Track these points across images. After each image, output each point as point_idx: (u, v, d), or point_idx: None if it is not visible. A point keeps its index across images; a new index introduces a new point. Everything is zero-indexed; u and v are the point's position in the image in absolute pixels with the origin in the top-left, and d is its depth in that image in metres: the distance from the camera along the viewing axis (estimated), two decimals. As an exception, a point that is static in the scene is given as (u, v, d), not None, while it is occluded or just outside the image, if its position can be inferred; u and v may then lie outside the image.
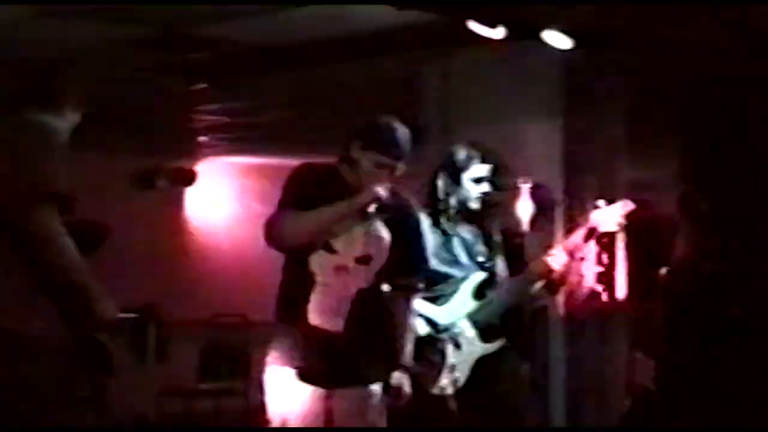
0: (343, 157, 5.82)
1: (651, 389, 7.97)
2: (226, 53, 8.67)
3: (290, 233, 5.66)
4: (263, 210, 14.03)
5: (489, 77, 8.15)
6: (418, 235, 6.01)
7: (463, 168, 6.50)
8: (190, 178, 9.93)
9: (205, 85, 9.72)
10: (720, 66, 7.37)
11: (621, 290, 7.69)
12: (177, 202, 14.02)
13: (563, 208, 7.23)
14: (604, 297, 7.58)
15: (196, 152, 13.61)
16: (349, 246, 5.74)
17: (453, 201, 6.53)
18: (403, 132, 5.73)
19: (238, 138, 12.67)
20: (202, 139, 12.87)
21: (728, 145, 7.61)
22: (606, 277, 7.54)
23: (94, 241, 6.55)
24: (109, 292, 4.99)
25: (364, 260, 5.74)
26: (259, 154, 14.00)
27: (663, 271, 7.65)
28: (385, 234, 5.81)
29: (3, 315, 5.00)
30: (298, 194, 5.71)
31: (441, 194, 6.54)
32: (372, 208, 5.72)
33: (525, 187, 6.70)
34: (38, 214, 4.75)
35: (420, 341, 6.28)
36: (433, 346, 6.47)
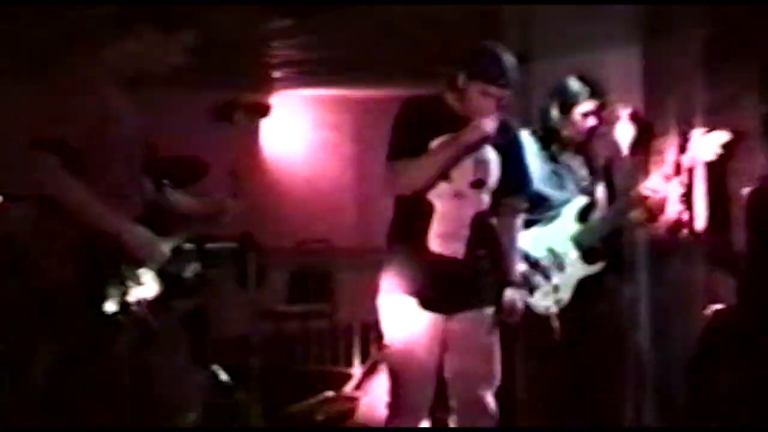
0: (450, 87, 5.65)
1: (731, 307, 7.77)
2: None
3: (410, 183, 5.58)
4: (334, 140, 14.08)
5: (569, 6, 7.83)
6: (522, 158, 5.92)
7: (574, 101, 6.46)
8: (264, 110, 9.79)
9: (283, 22, 9.60)
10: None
11: (704, 213, 7.50)
12: (255, 135, 13.87)
13: (662, 134, 7.01)
14: (689, 220, 7.40)
15: (271, 86, 13.44)
16: (462, 172, 5.63)
17: (563, 131, 6.51)
18: (509, 60, 5.57)
19: (310, 71, 12.52)
20: (276, 73, 12.68)
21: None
22: (690, 202, 7.36)
23: (194, 176, 6.38)
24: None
25: (477, 184, 5.67)
26: (331, 87, 13.83)
27: (745, 190, 7.43)
28: (494, 157, 5.70)
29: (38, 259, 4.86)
30: (410, 136, 5.60)
31: (552, 123, 6.52)
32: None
33: (625, 113, 6.44)
34: (34, 160, 4.61)
35: (528, 263, 6.36)
36: (539, 268, 6.46)
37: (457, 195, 5.63)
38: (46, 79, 4.88)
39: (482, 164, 5.67)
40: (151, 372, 5.02)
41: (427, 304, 5.65)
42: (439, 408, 5.97)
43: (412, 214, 5.67)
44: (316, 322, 11.27)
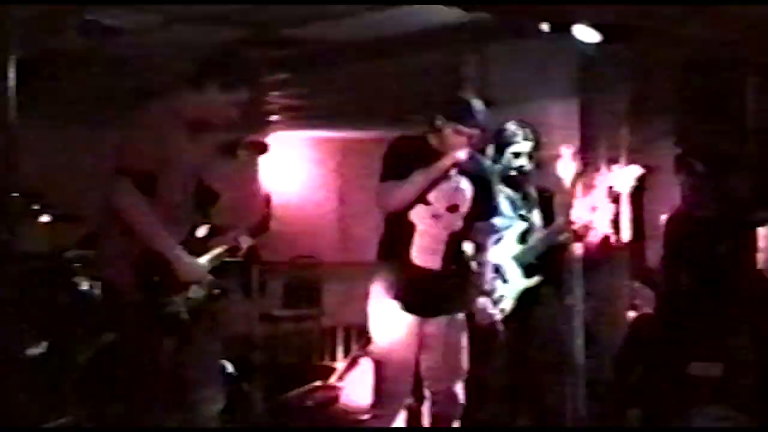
0: (430, 127, 5.75)
1: (649, 313, 7.85)
2: (302, 50, 8.53)
3: (396, 201, 5.65)
4: (322, 173, 14.06)
5: (518, 64, 7.90)
6: (491, 190, 5.98)
7: (507, 143, 6.53)
8: (263, 148, 9.80)
9: (283, 76, 9.67)
10: (707, 53, 7.25)
11: (628, 234, 7.55)
12: (255, 168, 13.91)
13: (585, 170, 7.06)
14: (614, 240, 7.43)
15: (269, 128, 13.47)
16: (440, 198, 5.71)
17: (497, 167, 6.44)
18: (478, 105, 5.71)
19: (302, 116, 12.58)
20: (273, 117, 12.74)
21: (716, 115, 7.50)
22: (616, 224, 7.39)
23: (210, 202, 6.44)
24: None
25: (453, 209, 5.73)
26: (319, 129, 13.89)
27: (663, 217, 7.53)
28: (467, 187, 5.78)
29: (110, 272, 4.90)
30: (397, 165, 5.68)
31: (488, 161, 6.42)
32: (454, 169, 5.68)
33: (567, 152, 6.50)
34: (116, 184, 4.66)
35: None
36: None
37: (435, 217, 5.69)
38: (126, 121, 4.95)
39: (457, 192, 5.74)
40: (190, 365, 5.08)
41: (408, 307, 5.71)
42: (413, 397, 6.02)
43: (397, 232, 5.73)
44: (306, 323, 11.27)
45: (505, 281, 6.47)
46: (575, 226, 6.48)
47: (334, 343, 10.70)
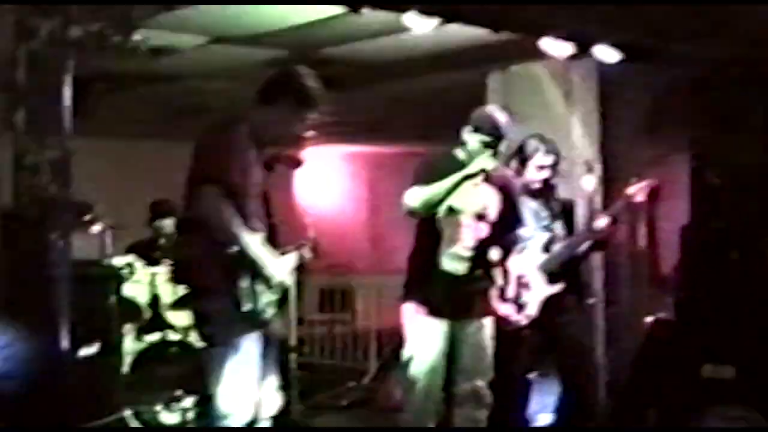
0: (458, 142, 5.82)
1: (666, 318, 7.82)
2: (336, 69, 8.54)
3: (422, 204, 5.68)
4: (355, 186, 14.11)
5: (540, 84, 7.90)
6: (516, 201, 6.01)
7: (529, 156, 6.48)
8: (299, 162, 9.80)
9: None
10: (722, 70, 7.23)
11: (645, 243, 7.53)
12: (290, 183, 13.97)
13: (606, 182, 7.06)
14: (633, 249, 7.43)
15: (304, 144, 13.49)
16: (468, 207, 5.74)
17: (520, 180, 6.44)
18: (503, 118, 5.70)
19: (335, 132, 12.57)
20: (309, 132, 12.76)
21: (731, 130, 7.48)
22: (634, 234, 7.39)
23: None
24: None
25: (480, 217, 5.76)
26: (351, 144, 13.95)
27: (680, 227, 7.52)
28: (493, 196, 5.82)
29: (195, 276, 4.95)
30: (426, 175, 5.72)
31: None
32: (481, 177, 5.70)
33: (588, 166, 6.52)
34: (202, 192, 4.69)
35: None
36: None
37: (463, 225, 5.72)
38: (201, 134, 4.99)
39: (484, 201, 5.78)
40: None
41: (436, 311, 5.73)
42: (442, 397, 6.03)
43: (426, 239, 5.77)
44: (340, 327, 11.28)
45: (529, 289, 6.45)
46: (597, 236, 6.49)
47: (367, 346, 10.70)
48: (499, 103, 7.95)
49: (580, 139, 7.53)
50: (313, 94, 5.11)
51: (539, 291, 6.45)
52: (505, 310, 6.06)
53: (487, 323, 5.87)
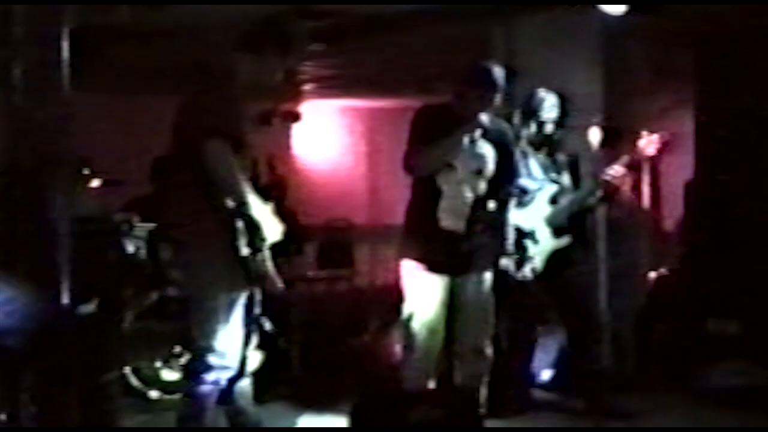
0: (455, 95, 5.75)
1: (670, 273, 7.86)
2: (334, 22, 8.52)
3: (423, 165, 5.69)
4: (354, 141, 14.10)
5: (544, 36, 7.86)
6: (512, 154, 5.96)
7: (536, 109, 6.49)
8: (296, 117, 9.77)
9: (315, 47, 9.67)
10: (730, 25, 7.23)
11: (649, 197, 7.55)
12: (289, 137, 13.95)
13: (619, 135, 7.03)
14: (637, 203, 7.44)
15: (302, 97, 13.48)
16: (465, 163, 5.72)
17: (525, 132, 6.49)
18: (499, 72, 5.66)
19: (334, 86, 12.58)
20: (306, 87, 12.74)
21: (736, 85, 7.48)
22: (638, 189, 7.40)
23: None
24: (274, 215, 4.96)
25: (477, 173, 5.74)
26: (350, 98, 13.91)
27: (684, 181, 7.53)
28: (490, 152, 5.78)
29: (183, 231, 4.95)
30: (422, 131, 5.69)
31: (516, 127, 6.46)
32: (478, 133, 5.67)
33: (593, 119, 6.51)
34: (212, 147, 4.67)
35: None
36: (517, 242, 6.38)
37: (460, 181, 5.71)
38: (204, 86, 4.97)
39: (480, 157, 5.75)
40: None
41: (436, 267, 5.73)
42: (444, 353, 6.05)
43: (424, 197, 5.75)
44: (339, 284, 11.28)
45: (536, 242, 6.46)
46: (603, 188, 6.46)
47: (367, 302, 10.71)
48: (501, 57, 7.94)
49: (585, 92, 7.48)
50: (297, 40, 5.09)
51: (546, 244, 6.46)
52: (504, 265, 6.03)
53: (488, 278, 5.86)
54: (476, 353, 5.85)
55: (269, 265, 4.99)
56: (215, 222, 4.83)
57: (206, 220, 4.85)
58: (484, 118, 5.63)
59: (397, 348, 6.19)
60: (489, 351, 5.88)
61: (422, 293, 5.74)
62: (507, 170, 5.89)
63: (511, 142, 5.94)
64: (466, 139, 5.68)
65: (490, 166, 5.79)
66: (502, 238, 5.98)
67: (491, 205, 5.86)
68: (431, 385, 5.91)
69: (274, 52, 5.02)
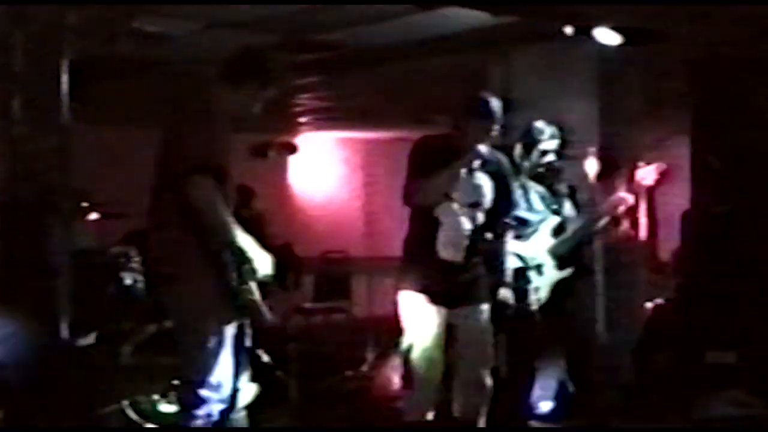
0: (453, 126, 5.75)
1: (667, 303, 7.85)
2: (330, 54, 8.51)
3: (421, 197, 5.65)
4: (350, 172, 14.11)
5: (540, 67, 7.87)
6: (509, 186, 5.92)
7: (535, 140, 6.47)
8: (293, 149, 9.75)
9: (312, 79, 9.70)
10: (722, 53, 7.24)
11: (646, 228, 7.55)
12: (284, 169, 13.93)
13: (616, 166, 7.03)
14: (635, 234, 7.43)
15: (298, 129, 13.50)
16: (463, 195, 5.69)
17: (526, 164, 6.48)
18: (496, 103, 5.67)
19: (329, 118, 12.60)
20: (302, 119, 12.75)
21: (730, 116, 7.49)
22: (635, 220, 7.40)
23: (246, 199, 6.40)
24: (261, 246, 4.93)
25: (474, 205, 5.71)
26: (345, 130, 13.93)
27: (680, 212, 7.53)
28: (487, 184, 5.76)
29: (172, 265, 4.91)
30: (422, 163, 5.68)
31: (517, 159, 6.47)
32: (476, 164, 5.67)
33: (592, 151, 6.51)
34: (195, 182, 4.65)
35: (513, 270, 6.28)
36: (521, 274, 6.41)
37: (458, 212, 5.68)
38: (176, 120, 4.96)
39: (478, 189, 5.73)
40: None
41: (434, 299, 5.69)
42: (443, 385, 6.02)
43: (423, 228, 5.72)
44: (336, 316, 11.24)
45: (539, 273, 6.45)
46: (606, 220, 6.49)
47: (364, 333, 10.67)
48: (498, 88, 7.95)
49: (581, 123, 7.48)
50: (275, 74, 5.08)
51: (549, 275, 6.45)
52: (502, 296, 6.01)
53: (486, 310, 5.82)
54: (475, 385, 5.81)
55: (258, 296, 4.95)
56: (203, 255, 4.80)
57: (193, 253, 4.82)
58: (482, 149, 5.62)
59: (395, 379, 6.17)
60: (488, 383, 5.84)
61: (420, 324, 5.70)
62: (504, 201, 5.86)
63: (509, 173, 5.92)
64: (464, 171, 5.66)
65: (488, 198, 5.77)
66: (501, 269, 5.96)
67: (489, 236, 5.85)
68: (430, 416, 5.86)
69: (253, 84, 5.01)
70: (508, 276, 6.02)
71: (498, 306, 5.89)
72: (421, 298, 5.68)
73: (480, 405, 5.85)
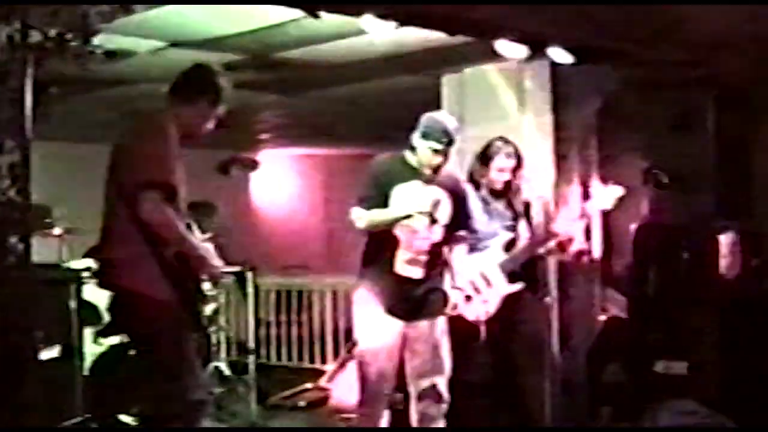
0: (408, 146, 5.82)
1: (620, 316, 7.89)
2: (290, 73, 8.51)
3: (371, 226, 5.78)
4: (310, 188, 14.11)
5: (493, 87, 7.89)
6: (466, 202, 6.03)
7: (491, 158, 6.50)
8: (254, 165, 9.75)
9: (272, 97, 9.70)
10: (673, 74, 7.31)
11: (599, 244, 7.59)
12: (246, 185, 13.91)
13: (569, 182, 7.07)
14: (587, 249, 7.48)
15: (259, 146, 13.50)
16: (420, 213, 5.75)
17: (484, 181, 6.51)
18: (451, 123, 5.72)
19: (290, 135, 12.62)
20: (263, 136, 12.75)
21: (681, 131, 7.56)
22: (588, 235, 7.44)
23: (209, 214, 6.44)
24: (214, 254, 4.94)
25: (433, 221, 5.77)
26: (305, 147, 13.94)
27: (632, 227, 7.58)
28: (445, 200, 5.84)
29: (129, 279, 4.91)
30: (375, 185, 5.80)
31: (476, 176, 6.53)
32: (433, 183, 5.74)
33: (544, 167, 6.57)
34: (146, 197, 4.66)
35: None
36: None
37: (417, 230, 5.74)
38: (129, 135, 4.95)
39: (437, 206, 5.78)
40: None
41: (392, 312, 5.74)
42: (399, 396, 6.04)
43: (380, 244, 5.78)
44: (296, 329, 11.23)
45: (490, 286, 6.46)
46: (558, 238, 6.53)
47: (323, 347, 10.67)
48: (453, 106, 7.99)
49: (534, 141, 7.52)
50: (225, 92, 5.10)
51: (499, 289, 6.46)
52: (464, 308, 6.04)
53: (441, 321, 5.88)
54: (431, 395, 5.84)
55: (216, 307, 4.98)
56: (160, 267, 4.80)
57: (148, 266, 4.81)
58: (437, 166, 5.64)
59: (350, 392, 6.19)
60: (444, 392, 5.87)
61: (376, 336, 5.76)
62: (460, 217, 5.92)
63: (464, 190, 5.96)
64: (420, 187, 5.68)
65: (446, 215, 5.81)
66: (456, 280, 6.01)
67: (445, 250, 5.88)
68: (383, 424, 5.90)
69: (203, 101, 5.03)
70: (460, 287, 6.05)
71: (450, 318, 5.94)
72: (376, 311, 5.71)
73: (437, 416, 5.87)
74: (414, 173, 5.73)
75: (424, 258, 5.76)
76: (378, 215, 5.70)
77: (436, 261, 5.83)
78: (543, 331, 6.83)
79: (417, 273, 5.75)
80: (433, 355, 5.84)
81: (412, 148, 5.78)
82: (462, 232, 6.00)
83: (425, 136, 5.70)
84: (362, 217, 5.75)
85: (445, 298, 5.91)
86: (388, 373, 5.79)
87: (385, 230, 5.72)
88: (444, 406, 5.89)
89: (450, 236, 5.89)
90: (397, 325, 5.75)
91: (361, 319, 5.84)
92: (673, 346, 7.45)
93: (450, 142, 5.69)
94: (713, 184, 7.52)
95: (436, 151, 5.69)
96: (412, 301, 5.75)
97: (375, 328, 5.76)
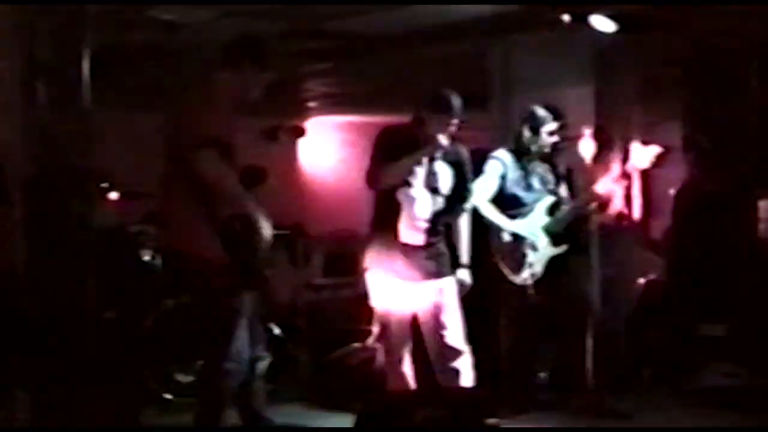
0: (415, 118, 5.90)
1: (659, 279, 7.87)
2: (338, 42, 8.53)
3: (382, 181, 5.79)
4: (357, 155, 14.14)
5: (539, 55, 7.87)
6: (467, 175, 6.05)
7: (541, 123, 6.60)
8: (302, 133, 9.76)
9: (320, 66, 9.72)
10: (713, 41, 7.25)
11: (639, 207, 7.56)
12: (294, 152, 13.93)
13: (610, 148, 7.04)
14: (628, 212, 7.45)
15: (307, 114, 13.50)
16: (423, 181, 5.84)
17: (534, 147, 6.63)
18: (456, 99, 5.79)
19: (337, 102, 12.61)
20: (311, 104, 12.76)
21: (721, 97, 7.50)
22: (629, 198, 7.41)
23: (259, 179, 6.49)
24: (267, 217, 4.98)
25: (434, 191, 5.85)
26: (352, 114, 13.91)
27: (672, 191, 7.54)
28: (447, 171, 5.91)
29: (183, 240, 4.96)
30: (385, 149, 5.84)
31: (525, 141, 6.66)
32: (437, 154, 5.80)
33: (588, 132, 6.55)
34: (202, 155, 4.69)
35: (509, 246, 6.57)
36: (518, 250, 6.59)
37: (418, 198, 5.82)
38: (188, 101, 4.99)
39: (439, 175, 5.87)
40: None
41: (401, 275, 5.84)
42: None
43: (385, 211, 5.88)
44: (344, 291, 11.25)
45: (535, 249, 6.57)
46: (598, 200, 6.58)
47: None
48: (498, 74, 7.98)
49: (577, 107, 7.49)
50: (271, 59, 5.15)
51: (544, 252, 6.55)
52: (460, 274, 6.05)
53: (450, 282, 5.92)
54: (450, 351, 5.88)
55: (267, 267, 5.01)
56: (214, 228, 4.84)
57: (205, 228, 4.86)
58: (442, 140, 5.72)
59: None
60: (464, 348, 5.90)
61: (387, 298, 5.88)
62: (461, 189, 6.00)
63: (466, 163, 6.02)
64: (425, 159, 5.79)
65: (447, 185, 5.91)
66: (458, 250, 6.06)
67: (446, 220, 5.97)
68: (412, 385, 5.98)
69: (251, 68, 5.07)
70: (466, 257, 6.07)
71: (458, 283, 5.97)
72: (388, 275, 5.82)
73: (459, 370, 5.89)
74: (419, 143, 5.79)
75: (425, 225, 5.85)
76: (402, 162, 5.74)
77: (437, 228, 5.91)
78: (586, 294, 6.80)
79: (418, 239, 5.84)
80: (446, 314, 5.88)
81: (420, 120, 5.83)
82: (462, 206, 6.05)
83: (432, 110, 5.78)
84: (381, 170, 5.78)
85: (449, 262, 5.96)
86: (404, 328, 5.94)
87: (389, 196, 5.81)
88: (467, 361, 5.89)
89: (450, 206, 5.94)
90: (407, 286, 5.85)
91: (372, 282, 5.96)
92: (713, 309, 7.42)
93: (455, 117, 5.76)
94: (753, 150, 7.46)
95: (441, 124, 5.75)
96: (415, 266, 5.83)
97: (384, 290, 5.89)
